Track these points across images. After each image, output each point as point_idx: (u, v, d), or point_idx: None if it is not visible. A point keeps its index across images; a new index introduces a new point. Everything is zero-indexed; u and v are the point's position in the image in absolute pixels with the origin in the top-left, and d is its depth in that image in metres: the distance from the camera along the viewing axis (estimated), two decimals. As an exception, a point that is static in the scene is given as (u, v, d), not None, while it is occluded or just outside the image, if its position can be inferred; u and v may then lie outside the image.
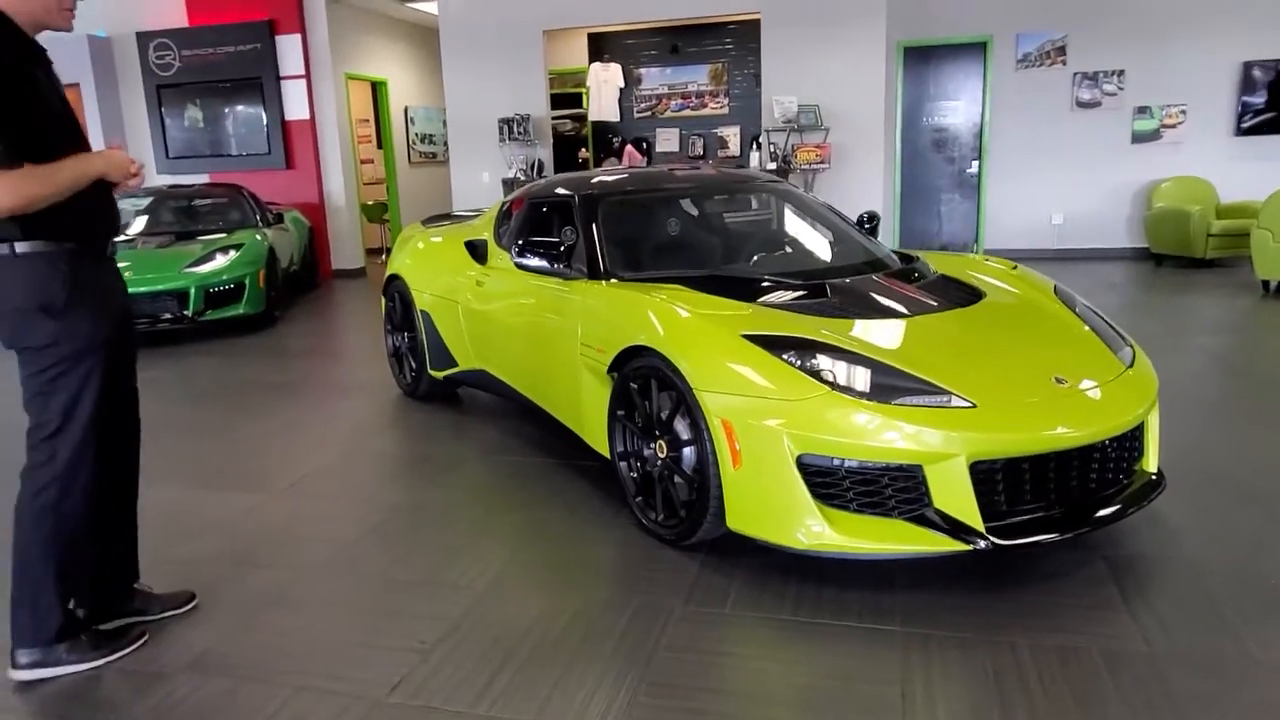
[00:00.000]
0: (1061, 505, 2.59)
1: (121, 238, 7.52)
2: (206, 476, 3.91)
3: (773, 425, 2.51)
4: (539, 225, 3.98)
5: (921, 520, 2.46)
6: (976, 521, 2.43)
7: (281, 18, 10.26)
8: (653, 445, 2.94)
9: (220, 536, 3.24)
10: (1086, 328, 3.05)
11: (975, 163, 10.27)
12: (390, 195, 12.38)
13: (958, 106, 10.26)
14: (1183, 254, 8.91)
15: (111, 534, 2.53)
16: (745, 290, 3.11)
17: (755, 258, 3.77)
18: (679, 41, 10.94)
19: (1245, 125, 9.33)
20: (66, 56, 10.67)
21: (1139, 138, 9.69)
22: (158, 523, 3.36)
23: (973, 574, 2.64)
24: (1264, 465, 3.46)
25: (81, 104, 10.91)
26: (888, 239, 10.48)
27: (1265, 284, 7.30)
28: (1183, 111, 9.52)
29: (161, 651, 2.45)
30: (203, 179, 10.72)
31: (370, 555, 3.03)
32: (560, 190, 3.93)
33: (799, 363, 2.58)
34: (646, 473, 3.00)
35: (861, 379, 2.54)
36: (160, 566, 2.93)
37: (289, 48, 10.34)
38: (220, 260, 7.13)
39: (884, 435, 2.44)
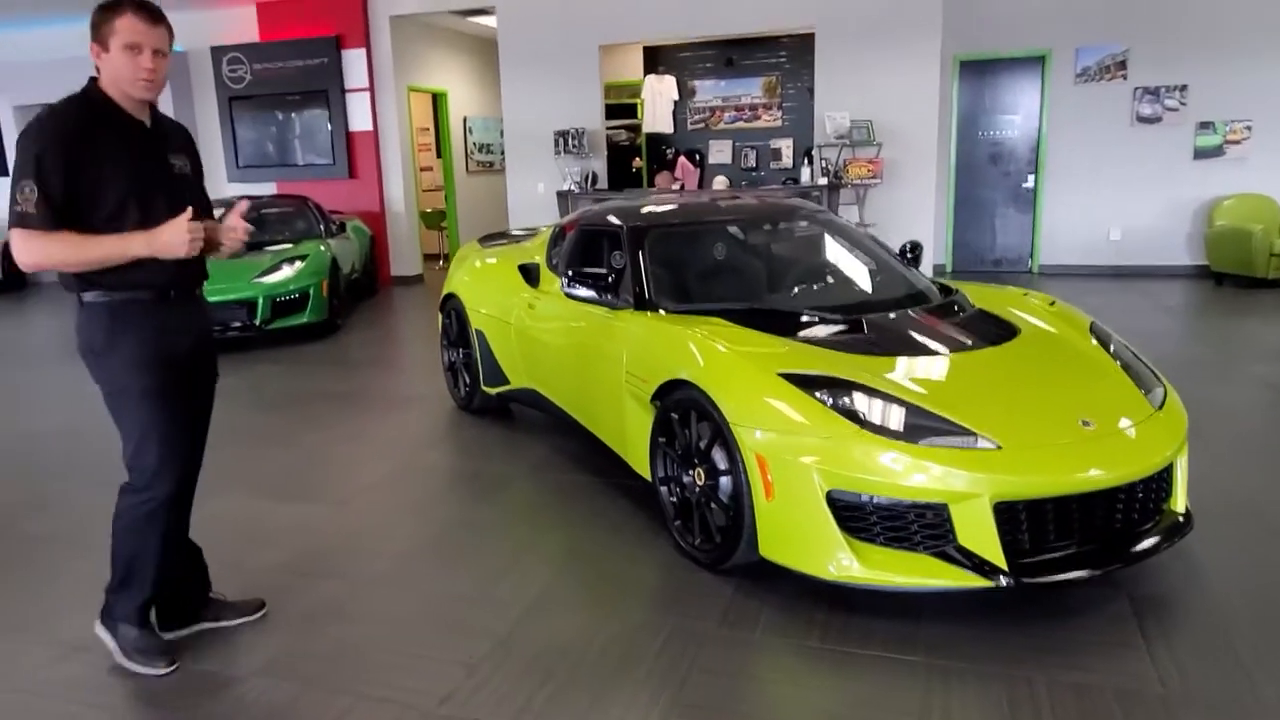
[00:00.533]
0: (1085, 544, 2.67)
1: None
2: (273, 486, 4.16)
3: (804, 461, 2.64)
4: (589, 252, 4.14)
5: (946, 556, 2.56)
6: (999, 559, 2.53)
7: (348, 33, 10.62)
8: (691, 473, 3.08)
9: (285, 546, 3.47)
10: (1119, 367, 3.11)
11: (1031, 177, 10.19)
12: (448, 203, 12.70)
13: (1014, 120, 10.20)
14: (1244, 273, 8.75)
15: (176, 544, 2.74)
16: (784, 325, 3.24)
17: (796, 289, 3.89)
18: (733, 54, 11.06)
19: (1312, 142, 9.13)
20: (146, 69, 11.18)
21: (1201, 154, 9.53)
22: (229, 531, 3.61)
23: (997, 607, 2.73)
24: (1271, 500, 3.48)
25: (159, 114, 11.40)
26: (941, 254, 10.46)
27: (1328, 307, 7.17)
28: (1247, 128, 9.34)
29: (234, 656, 2.67)
30: (270, 187, 11.16)
31: (423, 569, 3.22)
32: (611, 219, 4.09)
33: (831, 401, 2.70)
34: (685, 498, 3.14)
35: (891, 419, 2.66)
36: (232, 574, 3.16)
37: (354, 61, 10.70)
38: (287, 271, 7.45)
39: (911, 474, 2.55)
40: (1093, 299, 8.44)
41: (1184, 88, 9.45)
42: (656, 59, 11.41)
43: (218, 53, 11.10)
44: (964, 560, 2.54)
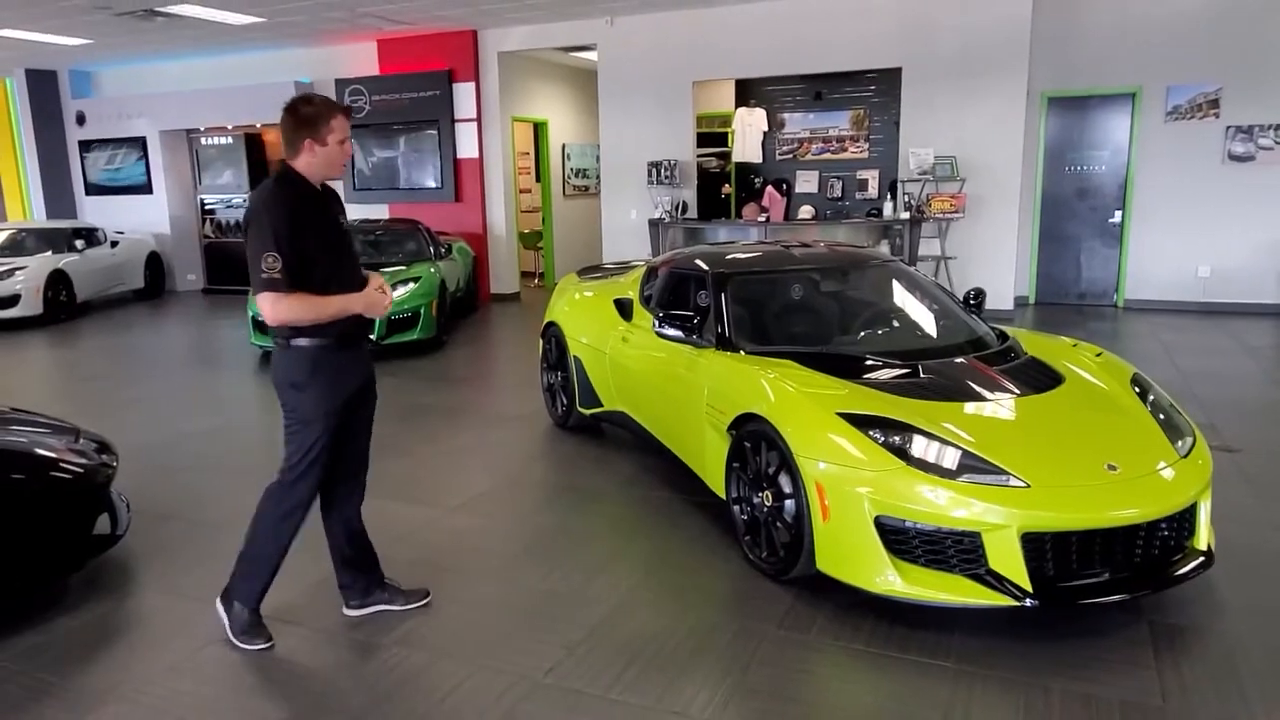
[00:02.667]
0: (1118, 573, 3.03)
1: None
2: (396, 491, 4.77)
3: (857, 490, 3.07)
4: (677, 292, 4.65)
5: (978, 577, 2.96)
6: (1024, 582, 2.91)
7: (459, 67, 11.42)
8: (760, 495, 3.53)
9: (412, 542, 4.06)
10: (1152, 417, 3.44)
11: (1119, 212, 10.28)
12: (545, 225, 13.41)
13: (1102, 155, 10.31)
14: (1335, 315, 8.71)
15: (352, 538, 3.35)
16: (848, 368, 3.67)
17: (863, 333, 4.31)
18: (822, 88, 11.44)
19: None
20: (275, 99, 12.20)
21: (1295, 192, 9.49)
22: (369, 528, 4.22)
23: (1025, 624, 3.11)
24: (1336, 549, 3.72)
25: (286, 140, 12.41)
26: (1024, 286, 10.62)
27: None
28: (1344, 167, 9.27)
29: (379, 629, 3.25)
30: (383, 209, 12.03)
31: (527, 567, 3.76)
32: (698, 263, 4.59)
33: (882, 439, 3.13)
34: (754, 517, 3.60)
35: (933, 456, 3.07)
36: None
37: (464, 94, 11.49)
38: (401, 291, 8.18)
39: (948, 506, 2.96)
40: (1175, 335, 8.55)
41: (1278, 127, 9.44)
42: (747, 91, 11.87)
43: (341, 85, 12.05)
44: (994, 582, 2.94)
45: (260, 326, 8.07)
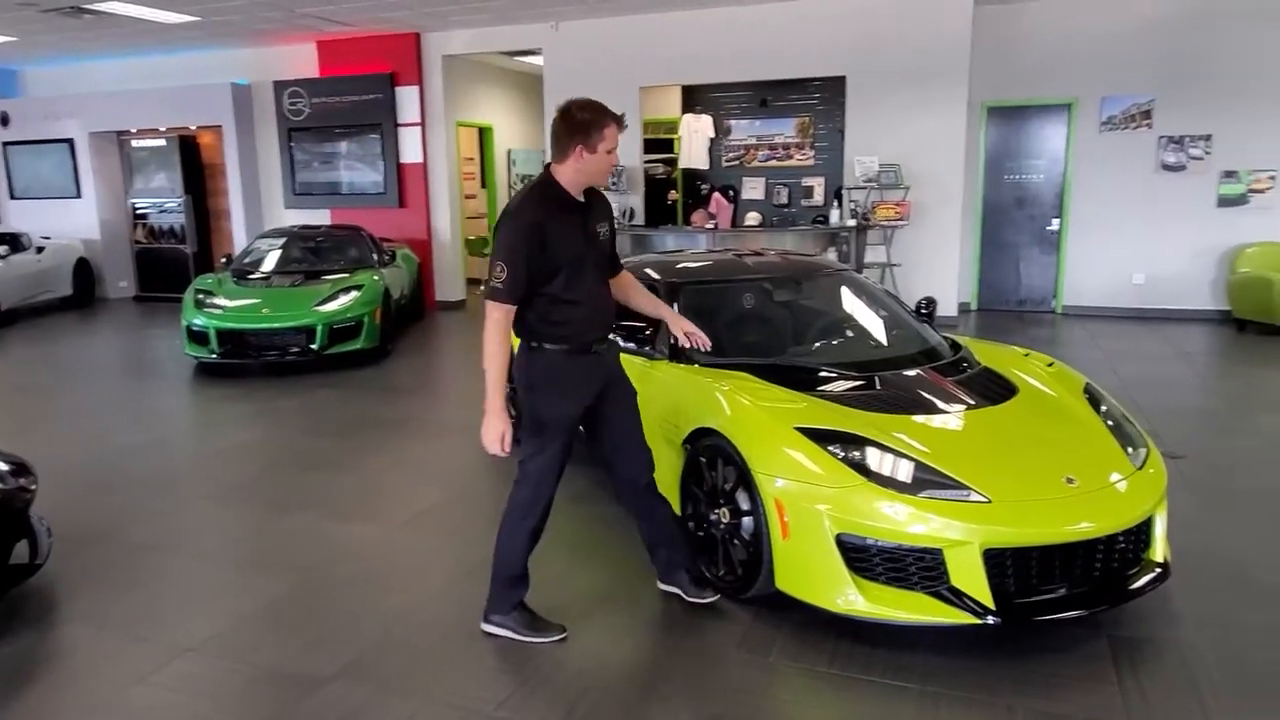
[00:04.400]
0: (1076, 587, 3.01)
1: (257, 274, 8.44)
2: (338, 508, 4.59)
3: (817, 507, 3.01)
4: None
5: (940, 595, 2.92)
6: (987, 599, 2.88)
7: (402, 70, 11.19)
8: (717, 511, 3.45)
9: (355, 562, 3.89)
10: (1106, 428, 3.45)
11: (1056, 220, 10.48)
12: (491, 232, 13.20)
13: (1040, 165, 10.50)
14: (1265, 320, 8.97)
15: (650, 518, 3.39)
16: (803, 379, 3.62)
17: (818, 344, 4.27)
18: (768, 95, 11.45)
19: (1335, 193, 9.35)
20: (211, 100, 11.86)
21: (1225, 202, 9.77)
22: (308, 546, 4.05)
23: (986, 641, 3.07)
24: (1273, 560, 3.76)
25: (222, 143, 12.06)
26: (967, 293, 10.76)
27: (1341, 359, 7.39)
28: (1271, 177, 9.58)
29: (322, 660, 3.08)
30: (324, 215, 11.74)
31: (476, 589, 3.60)
32: (649, 271, 4.49)
33: (842, 455, 3.07)
34: (711, 534, 3.52)
35: (894, 472, 3.02)
36: (315, 584, 3.59)
37: (407, 98, 11.26)
38: (343, 299, 7.96)
39: (910, 523, 2.91)
40: (1114, 342, 8.72)
41: (1208, 137, 9.71)
42: (694, 98, 11.83)
43: (279, 86, 11.73)
44: (956, 600, 2.90)
45: (195, 336, 7.78)
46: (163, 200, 12.67)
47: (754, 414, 3.33)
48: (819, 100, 11.26)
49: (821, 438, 3.13)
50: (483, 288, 3.00)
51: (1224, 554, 3.82)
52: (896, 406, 3.42)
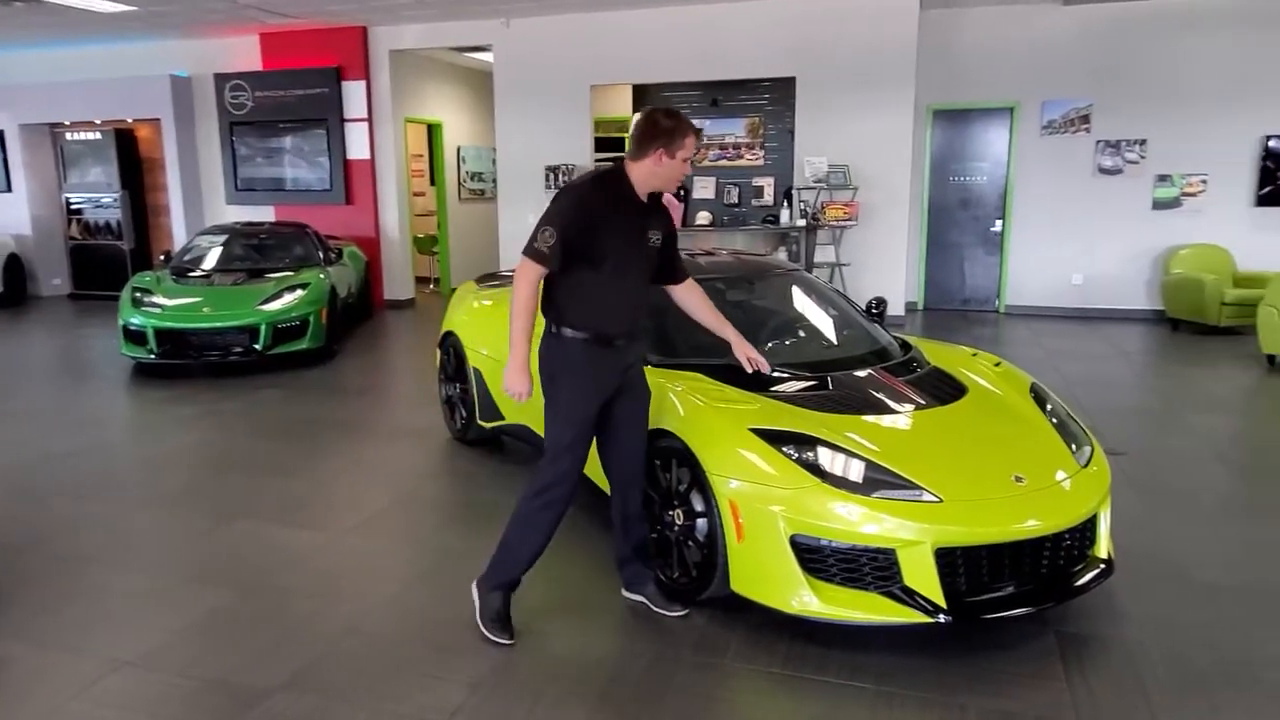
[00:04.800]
0: (1023, 585, 3.06)
1: (198, 272, 8.22)
2: (284, 513, 4.47)
3: (771, 509, 3.01)
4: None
5: (893, 595, 2.94)
6: (939, 598, 2.91)
7: (349, 64, 11.00)
8: (671, 513, 3.44)
9: (302, 570, 3.80)
10: (1052, 427, 3.51)
11: (999, 222, 10.69)
12: (440, 230, 13.06)
13: (984, 167, 10.71)
14: (1197, 320, 9.26)
15: (626, 522, 3.39)
16: (756, 380, 3.62)
17: (770, 344, 4.27)
18: (718, 95, 11.48)
19: (1263, 195, 9.67)
20: (149, 93, 11.53)
21: (1159, 205, 10.06)
22: (252, 554, 3.94)
23: (937, 640, 3.11)
24: (1218, 556, 3.86)
25: (160, 137, 11.73)
26: (913, 292, 10.92)
27: (1270, 358, 7.65)
28: (1204, 181, 9.89)
29: (266, 669, 2.99)
30: (269, 211, 11.49)
31: (426, 594, 3.56)
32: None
33: (796, 456, 3.08)
34: (665, 536, 3.50)
35: (848, 473, 3.03)
36: (261, 593, 3.50)
37: (354, 93, 11.07)
38: (288, 298, 7.78)
39: (863, 523, 2.93)
40: (1056, 341, 8.92)
41: (1143, 142, 9.99)
42: (645, 97, 11.83)
43: (220, 79, 11.45)
44: (908, 599, 2.92)
45: (132, 336, 7.55)
46: (98, 195, 12.28)
47: (707, 415, 3.32)
48: (769, 101, 11.32)
49: (775, 439, 3.13)
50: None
51: (1164, 551, 3.92)
52: (849, 407, 3.44)
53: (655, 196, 3.19)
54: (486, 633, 3.17)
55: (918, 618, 2.90)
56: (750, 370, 3.53)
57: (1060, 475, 3.22)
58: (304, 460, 5.33)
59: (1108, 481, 3.37)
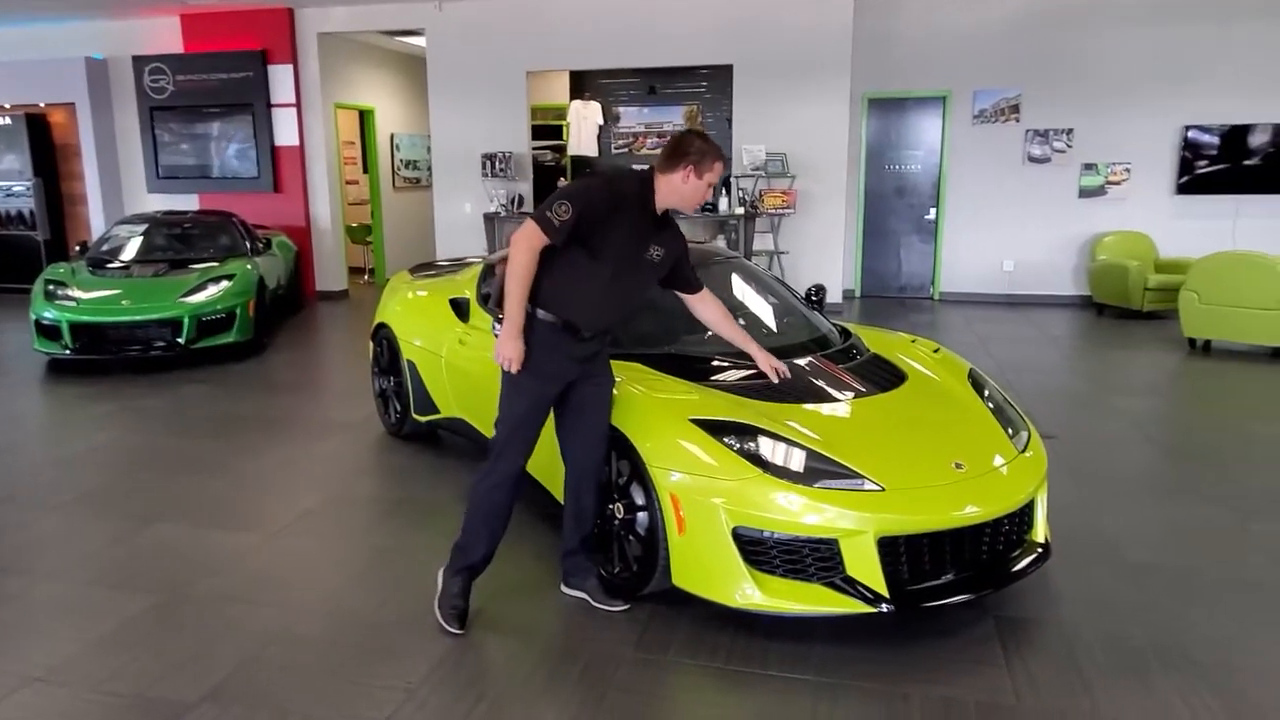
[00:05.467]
0: (963, 572, 3.06)
1: (116, 263, 7.87)
2: (209, 514, 4.29)
3: (713, 501, 2.96)
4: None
5: (835, 585, 2.92)
6: (881, 588, 2.89)
7: (274, 48, 10.64)
8: (612, 506, 3.37)
9: (226, 574, 3.63)
10: (990, 413, 3.53)
11: (933, 209, 10.83)
12: (374, 219, 12.75)
13: (918, 155, 10.83)
14: (1121, 305, 9.51)
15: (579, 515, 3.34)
16: (696, 370, 3.57)
17: (709, 333, 4.21)
18: (656, 83, 11.45)
19: (1183, 184, 9.97)
20: (63, 76, 11.01)
21: (1085, 193, 10.30)
22: (173, 557, 3.76)
23: (879, 629, 3.10)
24: (1149, 537, 3.94)
25: (74, 123, 11.22)
26: (850, 280, 11.02)
27: (1191, 342, 7.88)
28: (1127, 170, 10.15)
29: (187, 681, 2.85)
30: (192, 199, 11.08)
31: (359, 597, 3.43)
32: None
33: (737, 446, 3.03)
34: (606, 529, 3.43)
35: (790, 463, 3.00)
36: (182, 600, 3.34)
37: (281, 77, 10.71)
38: (213, 290, 7.49)
39: (805, 514, 2.89)
40: (988, 326, 9.07)
41: (1070, 131, 10.21)
42: (582, 84, 11.72)
43: (139, 62, 10.97)
44: (851, 589, 2.90)
45: (45, 331, 7.19)
46: (9, 183, 11.66)
47: (648, 406, 3.26)
48: (707, 89, 11.32)
49: (716, 429, 3.08)
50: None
51: (1097, 533, 3.98)
52: (789, 395, 3.41)
53: (665, 216, 3.19)
54: (440, 618, 3.15)
55: (860, 608, 2.89)
56: (777, 381, 3.46)
57: (999, 461, 3.24)
58: (230, 458, 5.13)
59: (1044, 466, 3.40)
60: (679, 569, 3.10)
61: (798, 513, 2.90)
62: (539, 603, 3.39)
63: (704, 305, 3.54)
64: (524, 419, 3.13)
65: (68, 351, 7.12)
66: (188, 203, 10.93)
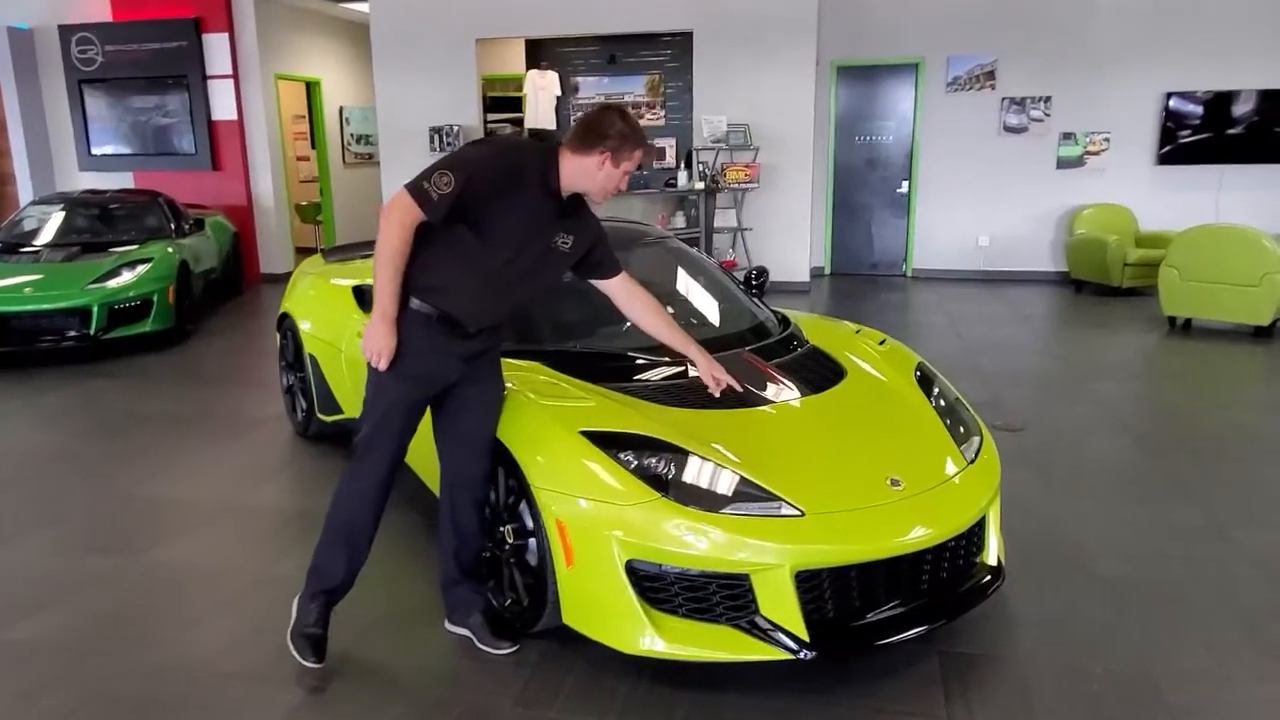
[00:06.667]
0: (904, 604, 2.63)
1: (28, 248, 7.33)
2: (74, 531, 3.82)
3: (603, 529, 2.51)
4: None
5: (748, 628, 2.48)
6: (800, 630, 2.46)
7: (209, 15, 10.04)
8: (502, 529, 2.92)
9: (62, 608, 3.16)
10: (937, 416, 3.09)
11: (905, 182, 10.37)
12: (324, 196, 12.19)
13: (890, 126, 10.35)
14: (1100, 281, 9.10)
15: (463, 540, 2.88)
16: (607, 368, 3.11)
17: (627, 325, 3.76)
18: (616, 51, 10.88)
19: (1164, 154, 9.53)
20: (-17, 47, 10.36)
21: (1063, 164, 9.86)
22: (18, 586, 3.30)
23: (808, 672, 2.66)
24: (1121, 545, 3.53)
25: (0, 98, 10.59)
26: (820, 257, 10.56)
27: (1171, 320, 7.48)
28: (1106, 139, 9.70)
29: (-30, 757, 2.40)
30: (127, 178, 10.49)
31: (208, 639, 2.97)
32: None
33: (634, 463, 2.58)
34: (496, 555, 2.98)
35: (694, 484, 2.55)
36: (12, 636, 2.88)
37: (216, 46, 10.12)
38: (126, 276, 6.97)
39: (710, 545, 2.45)
40: (960, 305, 8.65)
41: (1048, 99, 9.74)
42: (539, 53, 11.14)
43: (66, 32, 10.35)
44: (764, 633, 2.46)
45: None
46: (-69, 163, 11.06)
47: (535, 415, 2.80)
48: (668, 57, 10.76)
49: (608, 442, 2.63)
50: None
51: (1061, 539, 3.57)
52: (706, 400, 2.96)
53: (576, 198, 2.71)
54: (293, 649, 2.74)
55: (775, 654, 2.45)
56: (718, 394, 2.93)
57: (946, 472, 2.80)
58: (118, 464, 4.65)
59: (997, 477, 2.97)
60: (569, 606, 2.66)
61: (702, 544, 2.45)
62: (415, 641, 2.94)
63: (630, 300, 2.98)
64: (390, 423, 2.69)
65: (-29, 344, 6.59)
66: (122, 181, 10.34)
